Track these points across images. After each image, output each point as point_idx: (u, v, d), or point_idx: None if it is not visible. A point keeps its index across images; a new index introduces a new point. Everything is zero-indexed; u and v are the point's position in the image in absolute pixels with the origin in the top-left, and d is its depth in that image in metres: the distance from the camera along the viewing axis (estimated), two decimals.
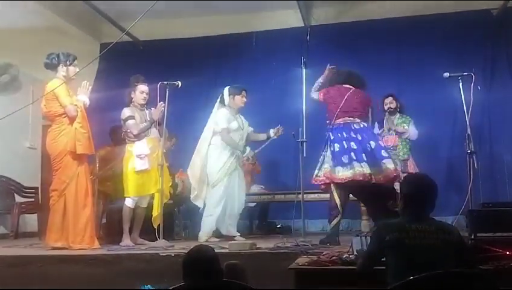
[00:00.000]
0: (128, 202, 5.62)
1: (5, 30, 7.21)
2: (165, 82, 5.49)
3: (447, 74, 5.23)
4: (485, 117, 7.27)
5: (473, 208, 4.46)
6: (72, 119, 5.22)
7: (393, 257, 2.72)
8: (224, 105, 6.06)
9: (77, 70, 5.34)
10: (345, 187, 5.15)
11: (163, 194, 5.49)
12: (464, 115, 5.05)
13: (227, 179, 5.85)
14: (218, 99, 6.15)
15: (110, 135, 6.86)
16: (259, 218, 7.48)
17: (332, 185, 5.17)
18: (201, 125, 7.67)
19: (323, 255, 3.68)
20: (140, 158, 5.56)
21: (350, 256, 3.43)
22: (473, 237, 3.68)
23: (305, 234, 5.24)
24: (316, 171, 5.37)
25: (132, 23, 5.10)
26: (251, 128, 6.24)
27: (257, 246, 4.66)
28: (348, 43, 7.96)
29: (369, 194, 5.31)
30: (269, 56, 8.09)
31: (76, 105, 5.24)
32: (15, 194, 7.69)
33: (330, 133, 5.39)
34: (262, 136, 6.23)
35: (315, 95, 5.63)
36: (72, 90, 5.35)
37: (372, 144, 5.26)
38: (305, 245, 4.54)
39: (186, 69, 7.78)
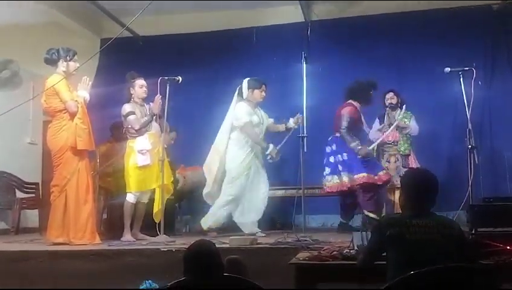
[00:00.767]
0: (130, 198, 5.62)
1: (5, 26, 7.20)
2: (166, 77, 5.49)
3: (447, 69, 5.23)
4: (485, 112, 7.25)
5: (473, 203, 4.46)
6: (72, 115, 5.22)
7: (394, 252, 2.72)
8: (243, 98, 5.89)
9: (77, 65, 5.34)
10: None
11: (164, 189, 5.50)
12: (465, 110, 5.05)
13: (245, 175, 5.72)
14: (236, 92, 5.96)
15: (111, 131, 6.87)
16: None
17: None
18: (201, 121, 7.69)
19: (323, 250, 3.68)
20: (142, 154, 5.55)
21: (351, 251, 3.44)
22: (473, 231, 3.68)
23: (305, 229, 5.25)
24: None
25: (132, 18, 5.09)
26: (271, 120, 6.06)
27: (258, 241, 4.67)
28: (348, 38, 7.94)
29: None
30: (270, 51, 8.08)
31: (76, 101, 5.24)
32: (16, 189, 7.69)
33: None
34: (281, 127, 6.03)
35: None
36: (72, 86, 5.35)
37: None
38: (305, 240, 4.55)
39: (186, 64, 7.77)
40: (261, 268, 3.65)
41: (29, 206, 7.61)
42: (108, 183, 6.62)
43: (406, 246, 2.67)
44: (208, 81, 8.26)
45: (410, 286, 2.33)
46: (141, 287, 3.90)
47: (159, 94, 5.50)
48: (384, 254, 2.79)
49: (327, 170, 6.11)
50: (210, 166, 5.94)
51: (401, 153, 6.42)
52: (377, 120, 6.64)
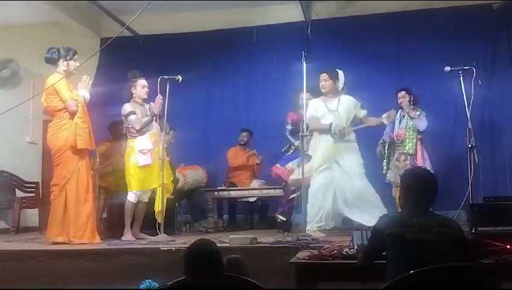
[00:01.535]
0: (131, 197, 5.61)
1: (6, 25, 7.20)
2: (166, 76, 5.48)
3: (447, 68, 5.22)
4: (485, 111, 7.25)
5: (473, 202, 4.45)
6: (72, 114, 5.22)
7: (393, 252, 2.72)
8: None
9: (77, 64, 5.34)
10: None
11: (164, 189, 5.50)
12: (465, 109, 5.05)
13: (326, 166, 5.55)
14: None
15: (109, 130, 6.87)
16: (260, 213, 7.49)
17: None
18: (201, 120, 7.68)
19: (323, 249, 3.68)
20: (143, 153, 5.54)
21: (351, 250, 3.43)
22: (473, 231, 3.67)
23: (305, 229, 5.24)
24: None
25: (132, 17, 5.09)
26: (364, 112, 5.79)
27: (258, 240, 4.67)
28: (348, 37, 7.95)
29: None
30: (270, 50, 8.08)
31: (76, 100, 5.23)
32: (16, 189, 7.70)
33: None
34: (374, 121, 5.73)
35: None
36: (72, 85, 5.34)
37: None
38: (305, 239, 4.55)
39: (186, 63, 7.76)
40: (261, 267, 3.65)
41: (29, 205, 7.62)
42: (108, 183, 6.61)
43: (405, 246, 2.67)
44: (207, 80, 8.26)
45: (410, 285, 2.33)
46: (141, 287, 3.90)
47: (159, 94, 5.49)
48: (384, 253, 2.79)
49: None
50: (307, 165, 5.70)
51: (405, 151, 6.41)
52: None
